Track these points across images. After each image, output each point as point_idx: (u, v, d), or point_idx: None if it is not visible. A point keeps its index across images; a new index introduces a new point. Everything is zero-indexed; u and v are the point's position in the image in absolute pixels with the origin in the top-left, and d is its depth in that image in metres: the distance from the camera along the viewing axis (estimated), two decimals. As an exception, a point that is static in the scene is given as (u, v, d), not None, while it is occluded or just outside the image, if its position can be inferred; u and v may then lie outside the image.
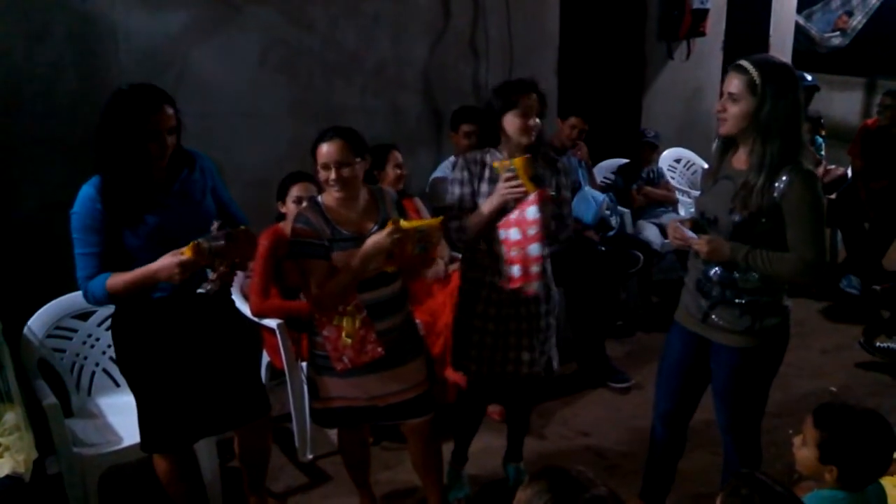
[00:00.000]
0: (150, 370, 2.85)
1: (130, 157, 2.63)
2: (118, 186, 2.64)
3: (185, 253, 2.53)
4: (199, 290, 2.66)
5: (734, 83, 2.63)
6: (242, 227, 2.70)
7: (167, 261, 2.56)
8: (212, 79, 4.15)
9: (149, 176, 2.70)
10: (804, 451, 2.32)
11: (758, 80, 2.58)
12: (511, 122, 3.13)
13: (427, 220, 2.89)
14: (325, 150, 2.84)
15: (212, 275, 2.66)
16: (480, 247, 3.18)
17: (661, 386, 3.12)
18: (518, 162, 3.00)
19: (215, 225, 2.64)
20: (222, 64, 4.18)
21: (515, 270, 3.06)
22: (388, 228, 2.77)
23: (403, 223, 2.80)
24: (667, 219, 5.46)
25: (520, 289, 3.10)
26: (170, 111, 2.67)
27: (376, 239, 2.78)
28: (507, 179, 3.02)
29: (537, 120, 3.13)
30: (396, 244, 2.77)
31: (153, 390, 2.87)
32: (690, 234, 2.77)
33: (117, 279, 2.64)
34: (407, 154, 4.54)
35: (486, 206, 3.10)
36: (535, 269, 3.06)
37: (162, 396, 2.86)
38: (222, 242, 2.56)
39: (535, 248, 3.03)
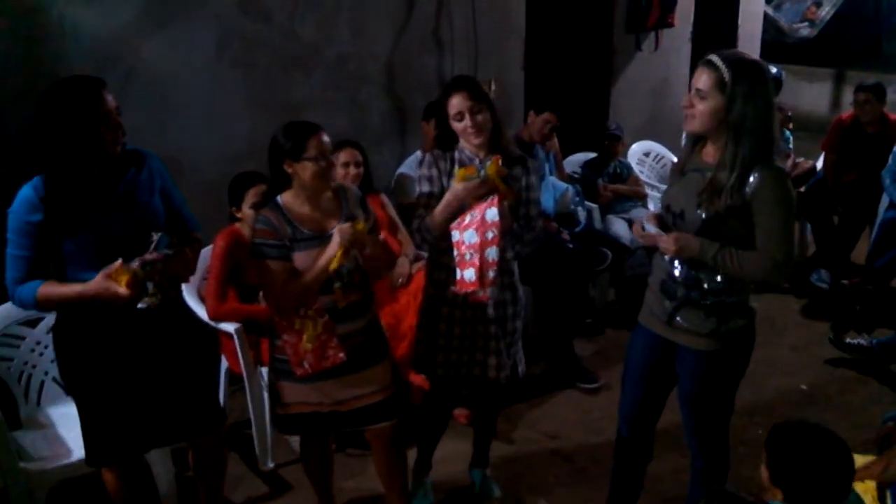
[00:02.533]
0: (93, 379, 2.74)
1: (80, 145, 2.51)
2: (63, 184, 2.53)
3: (121, 282, 2.46)
4: (140, 306, 2.55)
5: (703, 79, 2.56)
6: (186, 246, 2.66)
7: (102, 285, 2.48)
8: (165, 73, 4.01)
9: (99, 168, 2.59)
10: (762, 467, 2.25)
11: (727, 79, 2.50)
12: (454, 126, 3.04)
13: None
14: (326, 140, 2.80)
15: (152, 288, 2.55)
16: (443, 244, 3.05)
17: (626, 389, 3.05)
18: (492, 168, 2.85)
19: (155, 237, 2.56)
20: (176, 57, 4.04)
21: (469, 274, 2.91)
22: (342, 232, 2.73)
23: (332, 266, 2.75)
24: (636, 214, 5.41)
25: (472, 293, 2.97)
26: (109, 95, 2.57)
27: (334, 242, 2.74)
28: (476, 187, 2.88)
29: (477, 117, 2.98)
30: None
31: (97, 400, 2.76)
32: (656, 230, 2.68)
33: (49, 291, 2.56)
34: (371, 149, 4.44)
35: (443, 206, 2.96)
36: (490, 274, 2.91)
37: (106, 407, 2.75)
38: (159, 265, 2.51)
39: (492, 252, 2.89)
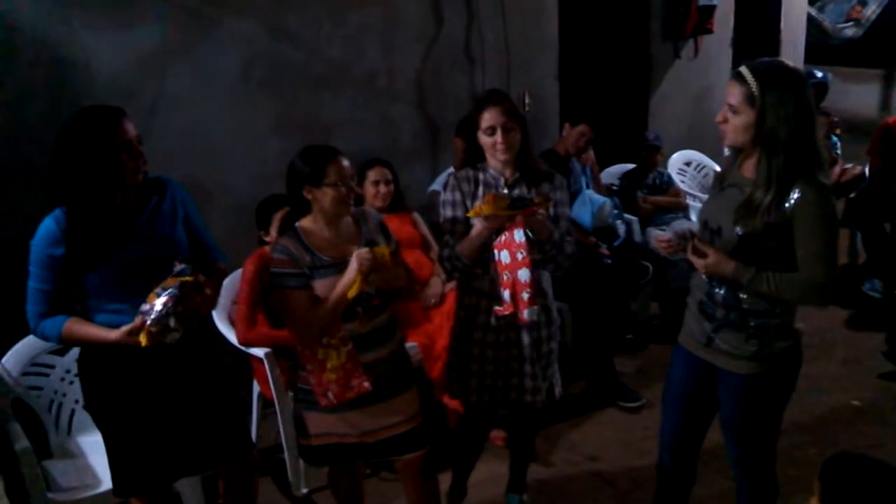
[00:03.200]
0: (119, 409, 2.70)
1: (101, 175, 2.49)
2: (85, 216, 2.51)
3: (141, 340, 2.44)
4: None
5: (733, 93, 2.46)
6: (200, 277, 2.57)
7: (124, 339, 2.48)
8: (191, 96, 4.00)
9: (121, 198, 2.57)
10: (814, 501, 2.09)
11: (756, 92, 2.40)
12: (482, 140, 2.96)
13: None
14: (346, 164, 2.74)
15: (174, 323, 2.50)
16: (476, 271, 2.99)
17: (667, 413, 2.93)
18: (487, 208, 2.78)
19: (178, 266, 2.53)
20: (202, 80, 4.03)
21: (506, 295, 2.89)
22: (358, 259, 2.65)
23: (350, 293, 2.66)
24: (678, 226, 5.25)
25: (510, 315, 2.91)
26: (130, 124, 2.54)
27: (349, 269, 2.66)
28: (494, 222, 2.83)
29: (510, 134, 2.91)
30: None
31: (123, 430, 2.72)
32: (663, 235, 2.61)
33: (74, 330, 2.57)
34: (402, 167, 4.39)
35: (476, 235, 2.90)
36: (524, 295, 2.86)
37: (132, 436, 2.71)
38: (170, 307, 2.45)
39: (523, 274, 2.84)
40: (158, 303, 2.45)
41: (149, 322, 2.43)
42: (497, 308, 2.94)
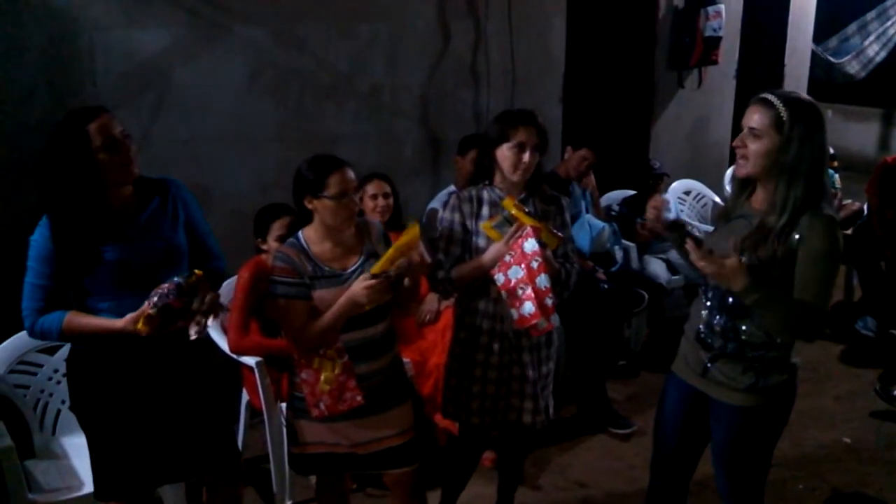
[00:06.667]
0: (105, 411, 2.67)
1: (79, 179, 2.46)
2: (65, 223, 2.49)
3: (140, 326, 2.42)
4: (192, 337, 2.53)
5: (756, 118, 2.44)
6: (193, 275, 2.52)
7: (129, 326, 2.45)
8: (196, 101, 3.98)
9: (117, 198, 2.56)
10: None
11: (785, 118, 2.38)
12: (504, 155, 2.95)
13: (397, 243, 2.68)
14: (351, 177, 2.70)
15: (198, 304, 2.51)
16: (474, 290, 3.00)
17: (658, 441, 2.91)
18: (509, 204, 2.85)
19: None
20: (207, 85, 4.00)
21: (528, 308, 2.85)
22: (363, 282, 2.61)
23: (373, 269, 2.63)
24: (674, 254, 5.26)
25: (535, 326, 2.88)
26: (113, 121, 2.51)
27: (353, 291, 2.62)
28: (512, 233, 2.86)
29: (535, 155, 2.94)
30: (375, 294, 2.60)
31: (108, 433, 2.68)
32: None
33: (76, 323, 2.52)
34: (404, 183, 4.38)
35: (487, 258, 2.93)
36: (548, 301, 2.85)
37: (117, 440, 2.68)
38: (172, 295, 2.43)
39: (542, 280, 2.84)
40: (163, 287, 2.43)
41: (149, 304, 2.41)
42: (516, 323, 2.91)
